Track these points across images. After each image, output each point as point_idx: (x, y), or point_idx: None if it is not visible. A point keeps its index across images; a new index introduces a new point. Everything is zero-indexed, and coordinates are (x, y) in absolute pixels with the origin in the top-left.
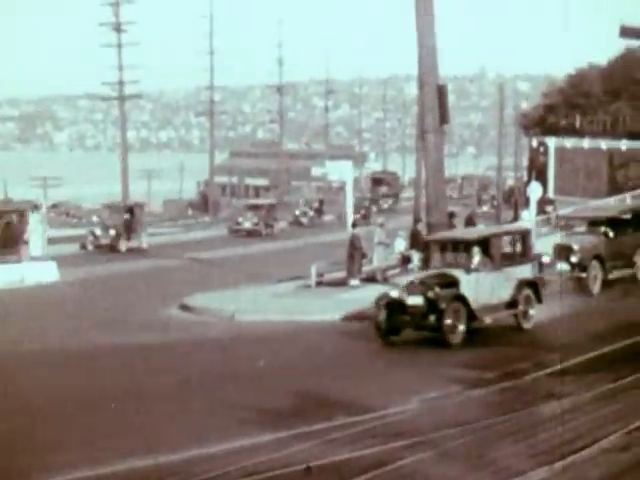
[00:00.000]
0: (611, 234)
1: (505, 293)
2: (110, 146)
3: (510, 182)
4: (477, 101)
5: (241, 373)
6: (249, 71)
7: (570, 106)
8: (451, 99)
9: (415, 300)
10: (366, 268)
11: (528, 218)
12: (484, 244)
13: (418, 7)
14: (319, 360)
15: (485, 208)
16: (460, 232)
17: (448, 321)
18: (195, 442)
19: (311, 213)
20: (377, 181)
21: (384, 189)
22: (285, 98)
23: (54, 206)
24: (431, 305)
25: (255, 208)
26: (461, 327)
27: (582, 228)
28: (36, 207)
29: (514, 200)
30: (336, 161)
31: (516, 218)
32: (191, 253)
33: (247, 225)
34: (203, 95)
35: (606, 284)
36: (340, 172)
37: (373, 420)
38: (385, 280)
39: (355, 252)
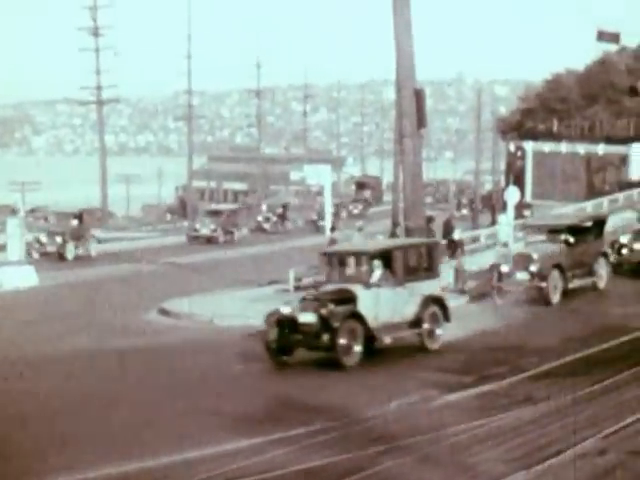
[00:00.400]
0: (571, 242)
1: (409, 310)
2: (88, 150)
3: (488, 186)
4: (455, 105)
5: (219, 377)
6: (227, 76)
7: (547, 111)
8: (429, 103)
9: (307, 318)
10: None
11: (506, 222)
12: (386, 257)
13: (396, 12)
14: None
15: (464, 211)
16: (360, 244)
17: (342, 341)
18: (167, 448)
19: (274, 219)
20: (361, 185)
21: (367, 192)
22: (263, 103)
23: (32, 211)
24: (324, 323)
25: (214, 214)
26: (357, 348)
27: (543, 236)
28: (14, 211)
29: (491, 204)
30: (314, 165)
31: (494, 222)
32: (144, 260)
33: (205, 232)
34: (181, 99)
35: (566, 294)
36: (318, 176)
37: None
38: None
39: None
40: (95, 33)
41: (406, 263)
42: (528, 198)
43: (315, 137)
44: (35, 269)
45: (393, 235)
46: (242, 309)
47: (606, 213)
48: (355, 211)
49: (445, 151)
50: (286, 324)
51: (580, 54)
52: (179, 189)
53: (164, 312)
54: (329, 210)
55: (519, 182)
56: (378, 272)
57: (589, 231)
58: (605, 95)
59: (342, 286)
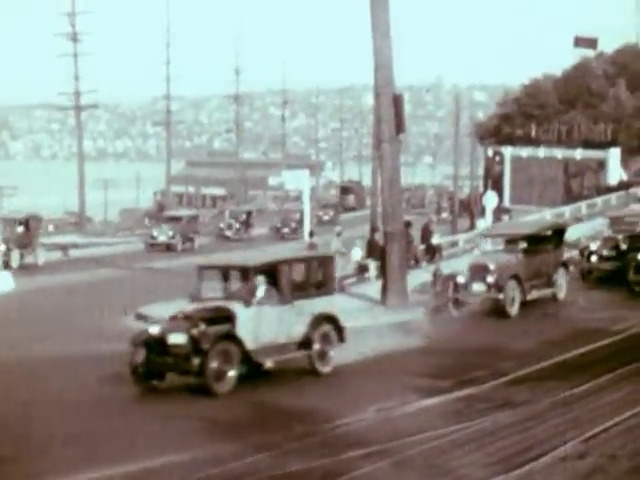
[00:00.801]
0: (530, 252)
1: (297, 330)
2: (66, 156)
3: (467, 191)
4: (433, 111)
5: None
6: (206, 81)
7: (525, 116)
8: (407, 109)
9: (177, 338)
10: None
11: (484, 227)
12: (271, 272)
13: (374, 18)
14: None
15: (444, 215)
16: (241, 257)
17: (213, 365)
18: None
19: (237, 226)
20: (345, 190)
21: (351, 197)
22: (242, 108)
23: None
24: (194, 345)
25: (173, 220)
26: (232, 372)
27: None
28: None
29: (470, 209)
30: (293, 170)
31: (472, 227)
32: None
33: (162, 238)
34: (160, 105)
35: (525, 305)
36: (297, 181)
37: None
38: (342, 289)
39: None
40: (74, 39)
41: (294, 278)
42: (506, 203)
43: (294, 142)
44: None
45: (372, 240)
46: None
47: (566, 222)
48: (325, 217)
49: (423, 156)
50: (154, 345)
51: (558, 59)
52: (157, 194)
53: (141, 317)
54: (308, 215)
55: (497, 187)
56: (262, 288)
57: (548, 240)
58: (583, 100)
59: (219, 304)
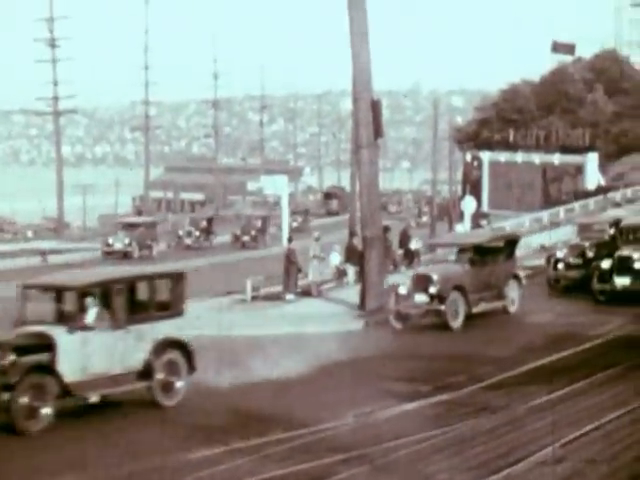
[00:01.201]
0: (478, 263)
1: (136, 358)
2: (45, 161)
3: (445, 196)
4: (411, 116)
5: None
6: (184, 86)
7: (504, 121)
8: (385, 114)
9: None
10: (302, 282)
11: (462, 231)
12: (104, 292)
13: (352, 23)
14: None
15: (425, 219)
16: (68, 276)
17: (24, 401)
18: None
19: (197, 233)
20: (328, 195)
21: (334, 202)
22: (220, 113)
23: None
24: (2, 378)
25: (129, 227)
26: (46, 409)
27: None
28: None
29: (448, 214)
30: (271, 176)
31: (451, 231)
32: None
33: (118, 246)
34: (138, 110)
35: (471, 318)
36: (275, 187)
37: None
38: (320, 294)
39: (291, 266)
40: (52, 44)
41: (133, 299)
42: (485, 208)
43: (272, 147)
44: None
45: (350, 245)
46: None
47: (518, 233)
48: (293, 224)
49: (402, 161)
50: None
51: (536, 64)
52: (136, 200)
53: None
54: (286, 220)
55: (476, 192)
56: (92, 311)
57: (499, 251)
58: (561, 105)
59: (40, 329)
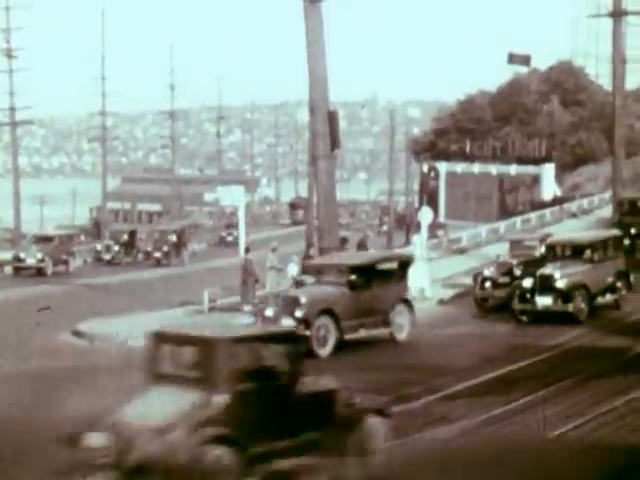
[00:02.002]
0: (358, 286)
1: None
2: (1, 172)
3: (402, 207)
4: (368, 127)
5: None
6: (141, 97)
7: (460, 131)
8: (342, 125)
9: None
10: (259, 293)
11: (419, 242)
12: None
13: (308, 35)
14: None
15: (385, 227)
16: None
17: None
18: None
19: (116, 248)
20: (294, 205)
21: (300, 212)
22: (177, 124)
23: None
24: None
25: (42, 240)
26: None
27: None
28: None
29: (405, 225)
30: (228, 186)
31: (408, 242)
32: None
33: (30, 261)
34: (95, 121)
35: (348, 346)
36: (232, 197)
37: None
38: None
39: (248, 277)
40: (8, 55)
41: None
42: (442, 218)
43: (229, 158)
44: None
45: (307, 256)
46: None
47: (410, 254)
48: (229, 239)
49: (359, 172)
50: None
51: (493, 75)
52: (93, 210)
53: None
54: (243, 231)
55: (433, 202)
56: None
57: (388, 274)
58: (517, 116)
59: None
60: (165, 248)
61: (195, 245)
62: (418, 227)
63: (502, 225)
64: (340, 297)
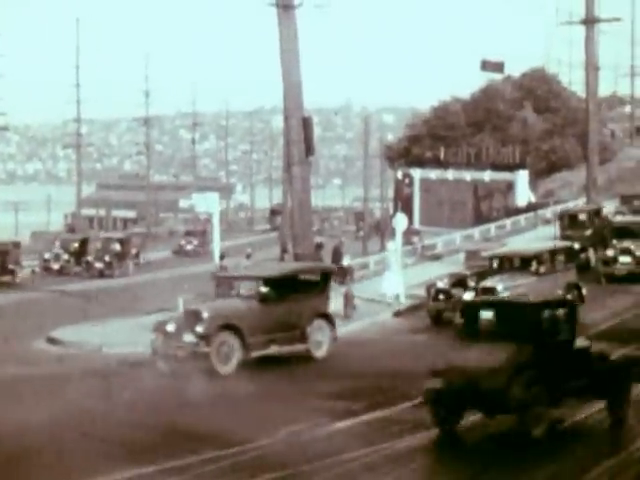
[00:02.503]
0: (274, 299)
1: None
2: None
3: (377, 213)
4: (343, 133)
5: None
6: (116, 104)
7: (434, 138)
8: (317, 131)
9: None
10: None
11: (394, 249)
12: None
13: (282, 42)
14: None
15: (362, 233)
16: None
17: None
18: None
19: (65, 257)
20: (274, 212)
21: (279, 218)
22: (152, 130)
23: None
24: None
25: None
26: None
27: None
28: None
29: (380, 231)
30: (203, 193)
31: (383, 248)
32: None
33: None
34: (70, 127)
35: (257, 363)
36: (207, 204)
37: None
38: None
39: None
40: None
41: None
42: (416, 225)
43: (204, 165)
44: None
45: (282, 262)
46: (131, 337)
47: (332, 266)
48: (188, 247)
49: (333, 178)
50: None
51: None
52: (68, 217)
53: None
54: (217, 237)
55: (407, 209)
56: None
57: (303, 286)
58: (491, 122)
59: None
60: (107, 258)
61: (152, 254)
62: (393, 233)
63: (476, 231)
64: (248, 311)
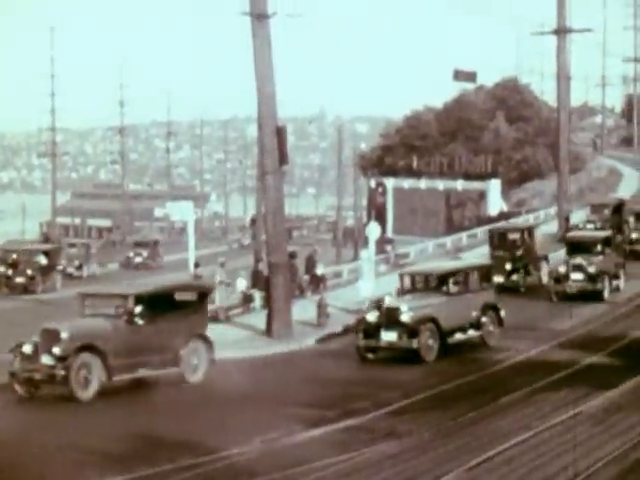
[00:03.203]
0: (144, 318)
1: None
2: None
3: (350, 222)
4: (316, 142)
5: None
6: (91, 113)
7: (407, 147)
8: (291, 140)
9: None
10: (209, 307)
11: (367, 257)
12: None
13: (256, 52)
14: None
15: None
16: None
17: None
18: None
19: (1, 269)
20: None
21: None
22: (127, 139)
23: None
24: None
25: None
26: None
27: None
28: None
29: (354, 240)
30: (177, 202)
31: (356, 257)
32: None
33: None
34: (45, 136)
35: (124, 389)
36: (181, 213)
37: None
38: (227, 319)
39: None
40: None
41: None
42: (389, 233)
43: (179, 174)
44: None
45: (256, 271)
46: None
47: (211, 285)
48: (137, 260)
49: (307, 187)
50: None
51: (441, 92)
52: (44, 226)
53: None
54: (192, 246)
55: (380, 217)
56: None
57: (177, 305)
58: (463, 132)
59: None
60: (29, 272)
61: (96, 267)
62: (366, 242)
63: (448, 240)
64: (113, 331)
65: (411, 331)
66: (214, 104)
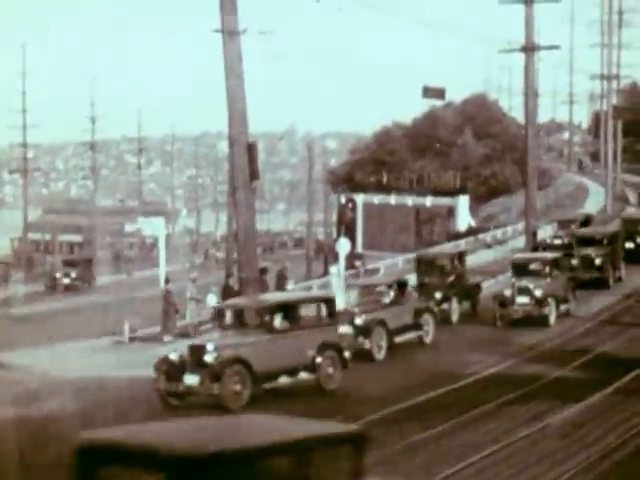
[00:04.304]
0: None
1: None
2: None
3: (320, 237)
4: (287, 158)
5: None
6: (62, 129)
7: (377, 163)
8: (261, 156)
9: None
10: (180, 323)
11: (337, 273)
12: None
13: (227, 68)
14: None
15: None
16: None
17: None
18: None
19: None
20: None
21: None
22: (98, 155)
23: None
24: None
25: None
26: None
27: None
28: None
29: (324, 255)
30: (148, 218)
31: (326, 273)
32: None
33: None
34: (16, 152)
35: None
36: (152, 228)
37: None
38: (198, 335)
39: (169, 308)
40: None
41: None
42: (359, 249)
43: (150, 190)
44: None
45: (227, 286)
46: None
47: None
48: (65, 281)
49: (278, 203)
50: None
51: (410, 108)
52: (14, 241)
53: None
54: (163, 262)
55: (350, 233)
56: None
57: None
58: (432, 148)
59: None
60: None
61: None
62: (336, 257)
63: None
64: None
65: (213, 374)
66: (185, 120)
